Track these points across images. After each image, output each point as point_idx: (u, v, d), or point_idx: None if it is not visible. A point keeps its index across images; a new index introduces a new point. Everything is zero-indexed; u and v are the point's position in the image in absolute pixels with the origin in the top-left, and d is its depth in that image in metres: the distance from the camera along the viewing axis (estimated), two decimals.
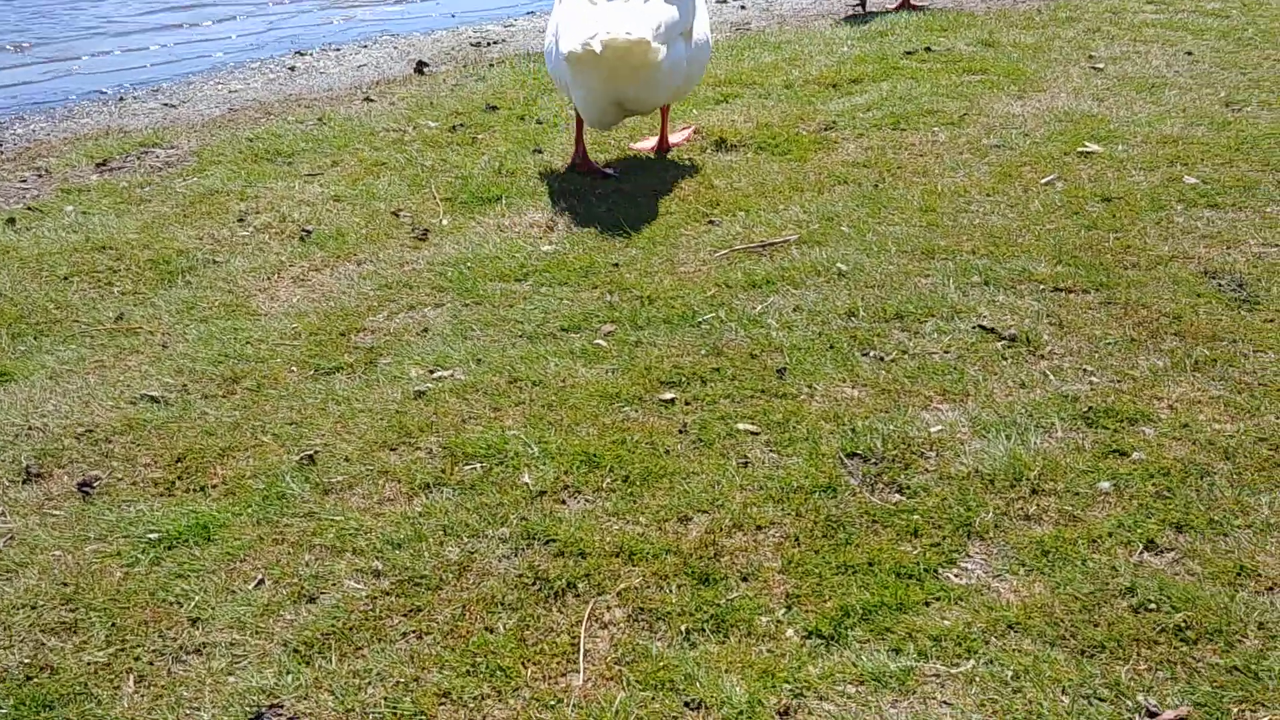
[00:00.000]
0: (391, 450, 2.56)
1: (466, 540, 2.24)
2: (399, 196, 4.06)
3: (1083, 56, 5.31)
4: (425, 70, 6.04)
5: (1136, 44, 5.49)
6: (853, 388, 2.71)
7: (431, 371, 2.88)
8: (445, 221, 3.83)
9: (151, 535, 2.30)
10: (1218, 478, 2.25)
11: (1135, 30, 5.76)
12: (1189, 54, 5.25)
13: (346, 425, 2.66)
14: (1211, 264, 3.15)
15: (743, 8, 7.59)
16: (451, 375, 2.86)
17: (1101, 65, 5.13)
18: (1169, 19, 5.98)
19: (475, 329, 3.10)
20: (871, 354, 2.84)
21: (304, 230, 3.79)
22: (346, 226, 3.81)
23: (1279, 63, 5.01)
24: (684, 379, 2.77)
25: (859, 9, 6.98)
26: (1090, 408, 2.52)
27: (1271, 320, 2.84)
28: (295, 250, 3.66)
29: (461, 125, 4.83)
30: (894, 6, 6.95)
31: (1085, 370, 2.69)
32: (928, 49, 5.62)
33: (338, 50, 7.04)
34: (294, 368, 2.95)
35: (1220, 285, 3.03)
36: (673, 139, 4.49)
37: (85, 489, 2.47)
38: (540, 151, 4.45)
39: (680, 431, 2.56)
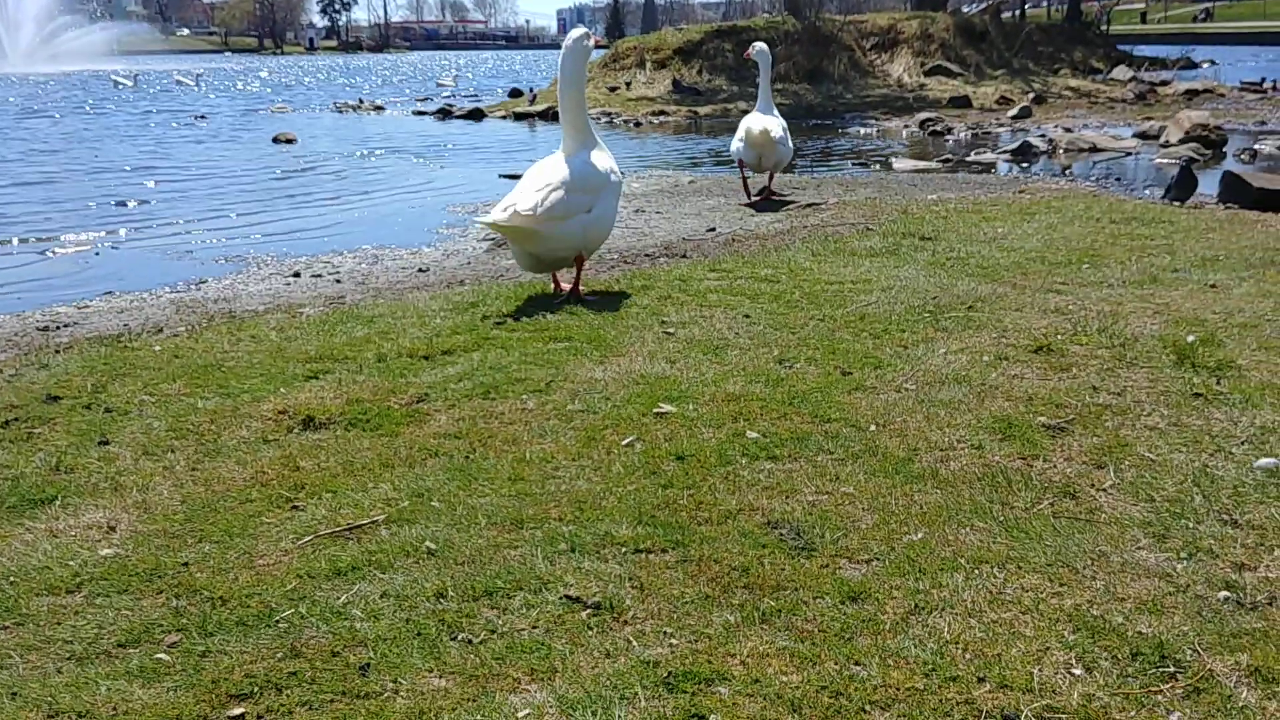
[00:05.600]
0: None
1: None
2: None
3: (656, 322, 5.74)
4: None
5: (702, 309, 6.02)
6: (440, 677, 2.60)
7: None
8: None
9: None
10: None
11: (701, 296, 6.33)
12: (747, 316, 5.81)
13: None
14: (773, 514, 3.39)
15: (338, 281, 7.66)
16: None
17: (672, 330, 5.56)
18: (729, 285, 6.63)
19: (14, 655, 2.72)
20: (460, 637, 2.76)
21: None
22: None
23: (821, 322, 5.64)
24: (257, 689, 2.55)
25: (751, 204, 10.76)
26: (670, 672, 2.56)
27: (826, 566, 3.06)
28: None
29: (16, 419, 4.41)
30: (759, 197, 10.97)
31: (665, 633, 2.75)
32: (515, 318, 5.87)
33: None
34: None
35: (782, 535, 3.25)
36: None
37: None
38: (107, 443, 4.13)
39: None
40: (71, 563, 3.19)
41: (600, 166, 6.32)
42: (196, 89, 41.23)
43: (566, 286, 6.50)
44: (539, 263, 6.34)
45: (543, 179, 6.12)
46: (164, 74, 54.32)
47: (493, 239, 9.11)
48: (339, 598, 2.96)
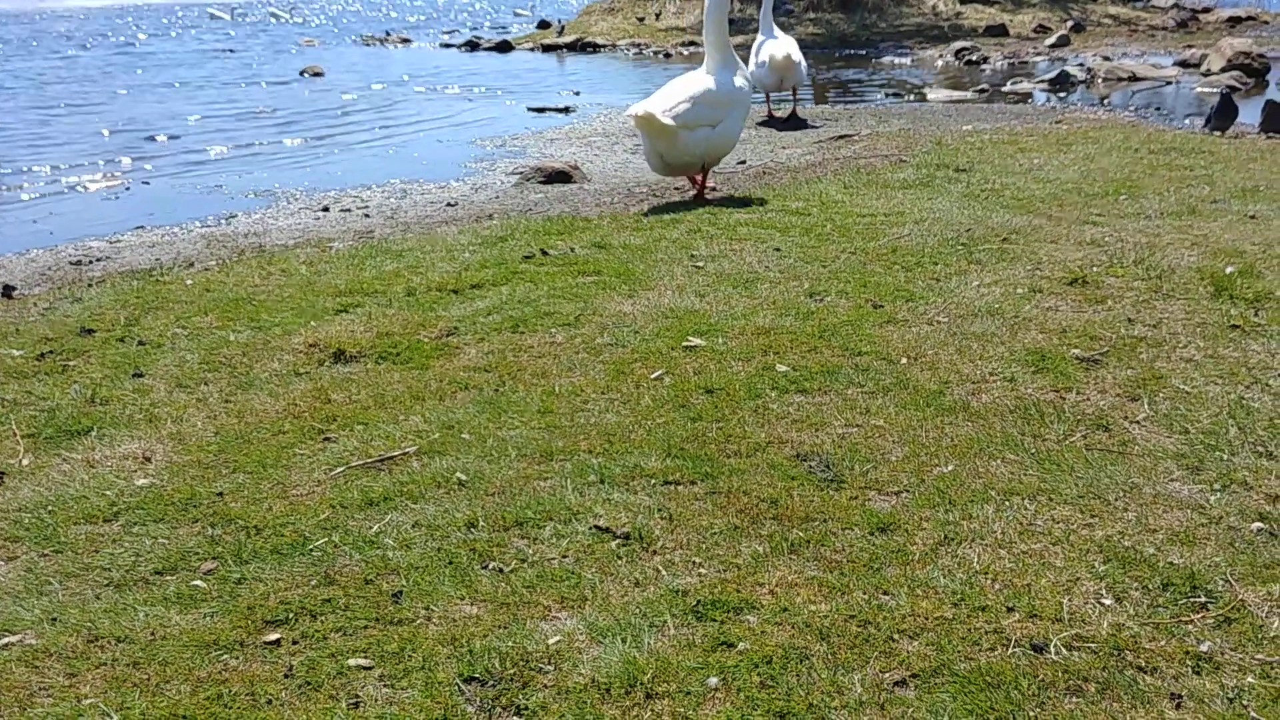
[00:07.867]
0: None
1: None
2: None
3: (685, 255, 5.70)
4: (14, 294, 5.58)
5: (732, 242, 5.97)
6: (472, 605, 2.63)
7: None
8: (25, 461, 3.48)
9: None
10: (815, 660, 2.34)
11: (730, 230, 6.28)
12: (777, 250, 5.76)
13: None
14: (802, 447, 3.38)
15: (367, 215, 7.65)
16: (21, 641, 2.53)
17: (702, 263, 5.53)
18: (759, 218, 6.57)
19: (53, 582, 2.78)
20: (491, 566, 2.79)
21: None
22: None
23: (852, 255, 5.59)
24: (292, 615, 2.59)
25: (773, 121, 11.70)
26: (699, 600, 2.58)
27: (855, 498, 3.06)
28: None
29: (51, 352, 4.46)
30: (785, 116, 11.73)
31: (694, 562, 2.77)
32: (544, 252, 5.85)
33: None
34: None
35: (811, 467, 3.25)
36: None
37: None
38: (141, 375, 4.17)
39: (285, 676, 2.38)
40: (108, 492, 3.24)
41: (734, 86, 7.03)
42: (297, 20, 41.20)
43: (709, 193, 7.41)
44: (666, 165, 7.10)
45: (678, 92, 6.90)
46: (263, 3, 54.54)
47: (520, 173, 9.07)
48: (371, 527, 2.99)
